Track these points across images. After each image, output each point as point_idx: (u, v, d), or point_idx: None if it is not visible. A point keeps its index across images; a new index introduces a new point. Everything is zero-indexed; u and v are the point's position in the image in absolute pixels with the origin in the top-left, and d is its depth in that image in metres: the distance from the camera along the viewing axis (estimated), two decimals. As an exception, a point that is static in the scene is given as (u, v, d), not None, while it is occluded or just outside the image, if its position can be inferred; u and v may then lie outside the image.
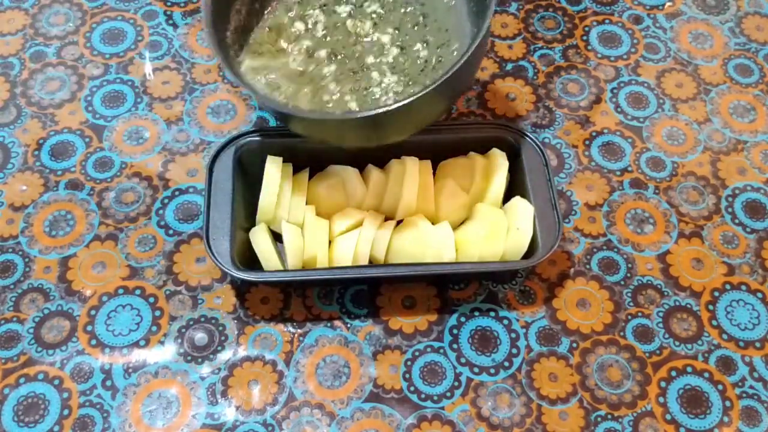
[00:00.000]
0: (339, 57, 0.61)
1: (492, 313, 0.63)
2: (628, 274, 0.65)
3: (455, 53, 0.60)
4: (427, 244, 0.61)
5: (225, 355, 0.60)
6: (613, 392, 0.60)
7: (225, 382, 0.59)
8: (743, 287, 0.65)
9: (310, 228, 0.61)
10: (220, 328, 0.62)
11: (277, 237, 0.64)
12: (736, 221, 0.69)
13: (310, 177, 0.65)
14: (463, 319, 0.63)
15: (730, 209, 0.69)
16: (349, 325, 0.62)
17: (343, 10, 0.64)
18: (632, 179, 0.71)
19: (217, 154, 0.63)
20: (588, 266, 0.66)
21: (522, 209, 0.62)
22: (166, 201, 0.68)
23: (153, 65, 0.76)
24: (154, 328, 0.61)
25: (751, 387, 0.60)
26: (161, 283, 0.64)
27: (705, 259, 0.66)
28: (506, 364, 0.61)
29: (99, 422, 0.57)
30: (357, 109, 0.59)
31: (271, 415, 0.58)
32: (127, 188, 0.68)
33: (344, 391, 0.59)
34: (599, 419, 0.59)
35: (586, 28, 0.81)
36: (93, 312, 0.62)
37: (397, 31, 0.62)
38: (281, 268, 0.61)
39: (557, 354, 0.61)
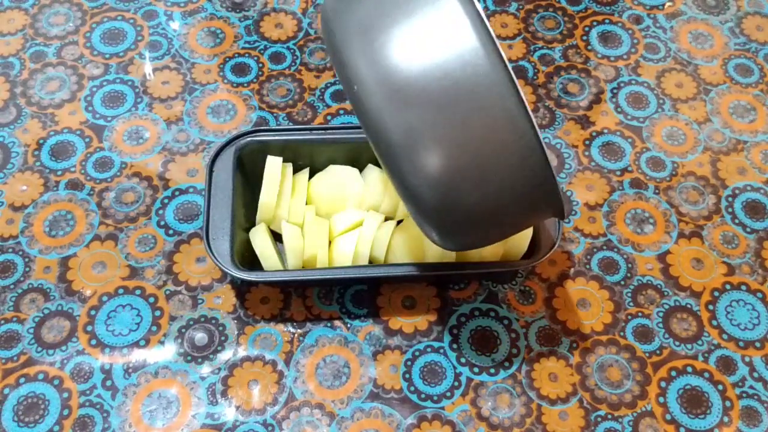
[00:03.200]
0: None
1: (492, 313, 0.63)
2: (628, 274, 0.65)
3: None
4: (427, 244, 0.61)
5: (225, 355, 0.60)
6: (613, 392, 0.60)
7: (225, 382, 0.59)
8: (743, 287, 0.65)
9: (310, 228, 0.61)
10: (220, 328, 0.62)
11: (277, 237, 0.64)
12: (736, 221, 0.69)
13: (310, 177, 0.65)
14: (463, 319, 0.63)
15: (730, 209, 0.69)
16: (349, 325, 0.62)
17: None
18: (632, 179, 0.70)
19: (217, 154, 0.63)
20: (588, 266, 0.66)
21: (522, 209, 0.62)
22: (166, 201, 0.68)
23: (153, 65, 0.76)
24: (154, 328, 0.61)
25: (751, 387, 0.60)
26: (161, 283, 0.64)
27: (705, 259, 0.66)
28: (506, 364, 0.61)
29: (99, 422, 0.57)
30: None
31: (271, 415, 0.58)
32: (127, 188, 0.68)
33: (344, 391, 0.59)
34: (599, 419, 0.59)
35: (586, 28, 0.81)
36: (93, 312, 0.62)
37: None
38: (281, 268, 0.61)
39: (557, 354, 0.61)
